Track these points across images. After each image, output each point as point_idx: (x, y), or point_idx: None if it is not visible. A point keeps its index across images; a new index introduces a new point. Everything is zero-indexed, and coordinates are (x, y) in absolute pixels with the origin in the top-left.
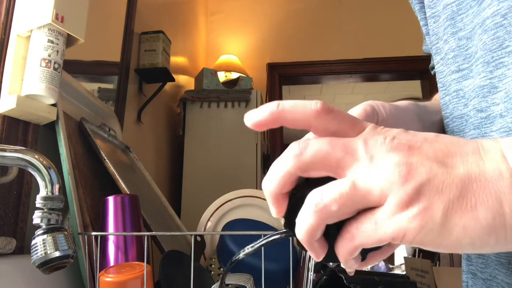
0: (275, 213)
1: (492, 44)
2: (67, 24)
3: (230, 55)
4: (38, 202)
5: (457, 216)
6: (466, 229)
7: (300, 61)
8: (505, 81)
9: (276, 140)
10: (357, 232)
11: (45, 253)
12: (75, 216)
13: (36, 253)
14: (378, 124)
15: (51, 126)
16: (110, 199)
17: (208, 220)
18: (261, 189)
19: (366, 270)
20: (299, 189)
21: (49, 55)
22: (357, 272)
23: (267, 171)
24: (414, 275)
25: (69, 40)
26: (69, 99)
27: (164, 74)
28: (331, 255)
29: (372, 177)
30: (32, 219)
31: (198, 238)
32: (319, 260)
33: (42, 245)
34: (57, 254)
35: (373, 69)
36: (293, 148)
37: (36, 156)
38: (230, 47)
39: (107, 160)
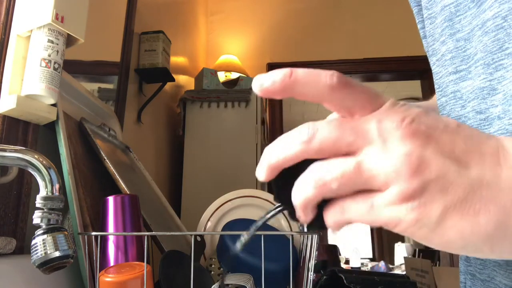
0: (263, 178)
1: (493, 46)
2: (67, 24)
3: (230, 55)
4: (38, 202)
5: (455, 219)
6: (462, 234)
7: (300, 61)
8: (503, 83)
9: None
10: (350, 208)
11: (45, 253)
12: (75, 216)
13: (36, 253)
14: None
15: (51, 126)
16: (110, 199)
17: (208, 220)
18: (261, 189)
19: (366, 270)
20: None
21: (49, 55)
22: (357, 272)
23: None
24: (414, 275)
25: (69, 40)
26: (69, 99)
27: (164, 74)
28: (320, 222)
29: (380, 163)
30: (32, 219)
31: (198, 238)
32: (307, 223)
33: (42, 245)
34: (57, 254)
35: (373, 69)
36: (302, 133)
37: (36, 156)
38: (230, 47)
39: (107, 160)
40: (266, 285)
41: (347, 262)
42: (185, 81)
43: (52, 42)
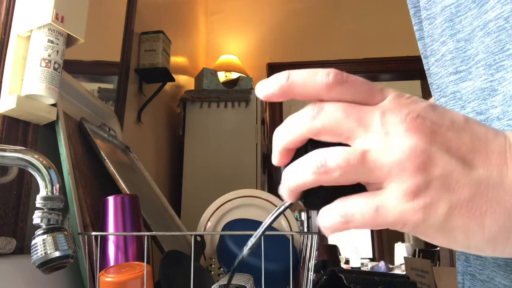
0: (276, 162)
1: (495, 47)
2: (67, 24)
3: (230, 55)
4: (38, 202)
5: (461, 219)
6: (466, 234)
7: (300, 61)
8: (503, 84)
9: None
10: (353, 213)
11: (45, 253)
12: (75, 216)
13: (36, 253)
14: None
15: (51, 126)
16: (110, 199)
17: (208, 220)
18: (261, 189)
19: (366, 270)
20: (308, 146)
21: (49, 55)
22: (357, 272)
23: (267, 171)
24: (414, 275)
25: (69, 40)
26: (69, 99)
27: (164, 74)
28: (315, 201)
29: (384, 155)
30: (32, 219)
31: (198, 238)
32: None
33: (42, 245)
34: (57, 254)
35: (373, 69)
36: (308, 111)
37: (36, 156)
38: (230, 47)
39: (107, 160)
40: (266, 285)
41: (347, 262)
42: (185, 81)
43: (52, 42)
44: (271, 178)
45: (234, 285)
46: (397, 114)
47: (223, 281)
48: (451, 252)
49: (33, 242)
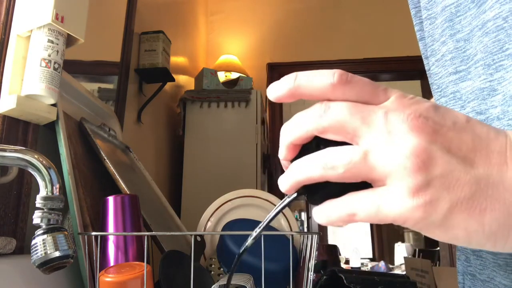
0: (283, 157)
1: (493, 46)
2: (67, 24)
3: (230, 55)
4: (38, 202)
5: (462, 216)
6: (467, 231)
7: (300, 61)
8: (503, 84)
9: (276, 140)
10: (358, 208)
11: (45, 253)
12: (75, 216)
13: (36, 253)
14: None
15: (51, 126)
16: (110, 199)
17: (208, 220)
18: (261, 189)
19: (366, 270)
20: (314, 144)
21: (49, 55)
22: (357, 272)
23: (267, 171)
24: (414, 275)
25: (69, 40)
26: (69, 99)
27: (164, 74)
28: (318, 197)
29: (385, 154)
30: (32, 219)
31: (198, 238)
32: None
33: (42, 245)
34: (57, 254)
35: (373, 69)
36: (315, 109)
37: (36, 156)
38: (230, 47)
39: (107, 160)
40: (266, 285)
41: (347, 262)
42: (185, 81)
43: (52, 42)
44: (271, 178)
45: (234, 285)
46: (399, 113)
47: (223, 281)
48: (451, 252)
49: (33, 242)
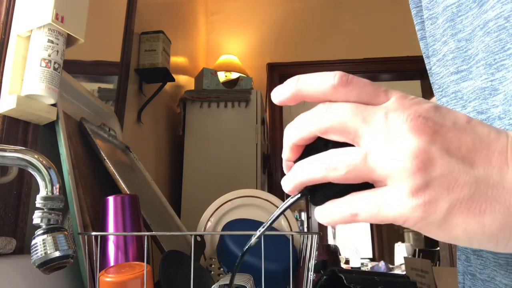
0: (287, 157)
1: (495, 46)
2: (67, 24)
3: (230, 55)
4: (38, 202)
5: (461, 217)
6: (467, 231)
7: (300, 61)
8: (504, 83)
9: (276, 140)
10: (359, 208)
11: (45, 253)
12: (75, 216)
13: (36, 253)
14: None
15: (51, 126)
16: (110, 199)
17: (208, 220)
18: (261, 189)
19: (366, 270)
20: (316, 144)
21: (49, 55)
22: (357, 272)
23: (267, 171)
24: (414, 275)
25: (69, 40)
26: (69, 99)
27: (164, 74)
28: (321, 197)
29: (384, 156)
30: (32, 219)
31: (198, 238)
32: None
33: (42, 245)
34: (57, 254)
35: (373, 69)
36: (317, 110)
37: (36, 156)
38: (230, 47)
39: (107, 160)
40: (266, 285)
41: (347, 262)
42: (185, 81)
43: (52, 42)
44: (271, 178)
45: (234, 285)
46: (399, 114)
47: (223, 281)
48: (451, 252)
49: (33, 242)
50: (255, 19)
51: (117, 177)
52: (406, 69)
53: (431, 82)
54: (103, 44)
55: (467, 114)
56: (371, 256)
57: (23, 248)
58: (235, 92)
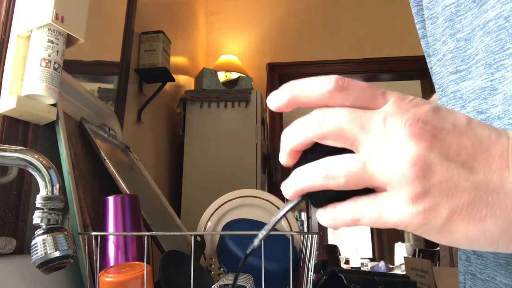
0: (284, 163)
1: (495, 46)
2: (67, 24)
3: (230, 55)
4: (38, 202)
5: (462, 223)
6: (467, 237)
7: (300, 61)
8: (504, 83)
9: (276, 140)
10: (361, 213)
11: (45, 253)
12: (75, 216)
13: (36, 253)
14: None
15: (51, 126)
16: (110, 199)
17: (208, 220)
18: (261, 189)
19: (366, 270)
20: (314, 150)
21: (49, 55)
22: (357, 272)
23: (267, 171)
24: (414, 275)
25: (69, 40)
26: (69, 99)
27: (164, 74)
28: (321, 200)
29: (383, 163)
30: (32, 219)
31: (198, 238)
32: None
33: (42, 245)
34: (57, 254)
35: (373, 69)
36: (314, 116)
37: (36, 156)
38: (230, 47)
39: (107, 160)
40: (266, 285)
41: (347, 262)
42: (185, 81)
43: (52, 42)
44: (271, 178)
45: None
46: (397, 119)
47: (223, 281)
48: (451, 252)
49: (33, 242)
50: (255, 19)
51: (117, 177)
52: (406, 69)
53: (433, 81)
54: (103, 44)
55: (466, 114)
56: (371, 256)
57: (23, 248)
58: (235, 92)
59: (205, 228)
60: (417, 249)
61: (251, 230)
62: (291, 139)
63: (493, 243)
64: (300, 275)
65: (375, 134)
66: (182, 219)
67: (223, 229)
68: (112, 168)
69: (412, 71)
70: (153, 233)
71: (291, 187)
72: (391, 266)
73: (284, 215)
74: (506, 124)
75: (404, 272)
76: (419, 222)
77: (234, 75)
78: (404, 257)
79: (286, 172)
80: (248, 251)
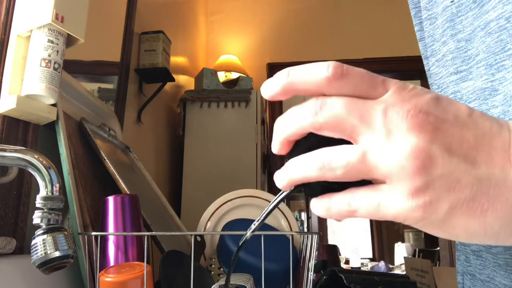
0: (277, 151)
1: (496, 47)
2: (67, 24)
3: (230, 55)
4: (38, 202)
5: (462, 217)
6: (468, 231)
7: (300, 61)
8: (504, 84)
9: None
10: (358, 205)
11: (45, 253)
12: (75, 216)
13: (36, 253)
14: None
15: (51, 126)
16: (110, 199)
17: (208, 220)
18: (261, 189)
19: (366, 270)
20: (309, 139)
21: (49, 55)
22: (357, 272)
23: (267, 171)
24: (414, 275)
25: (69, 40)
26: (69, 99)
27: (164, 74)
28: (316, 190)
29: (384, 155)
30: (32, 219)
31: (198, 238)
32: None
33: (42, 245)
34: (57, 254)
35: (373, 69)
36: (311, 105)
37: (36, 156)
38: (230, 47)
39: (107, 160)
40: (266, 285)
41: (347, 262)
42: (185, 81)
43: (52, 42)
44: (271, 178)
45: (234, 285)
46: (398, 110)
47: (223, 281)
48: (451, 252)
49: (33, 242)
50: (255, 19)
51: (117, 177)
52: (406, 69)
53: (429, 83)
54: (103, 44)
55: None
56: (371, 256)
57: (23, 248)
58: (235, 92)
59: (205, 228)
60: (417, 249)
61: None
62: (285, 128)
63: (493, 236)
64: (300, 275)
65: (375, 126)
66: (182, 219)
67: (223, 229)
68: (112, 168)
69: (412, 71)
70: (153, 233)
71: (285, 177)
72: (391, 266)
73: (277, 206)
74: None
75: (404, 272)
76: (419, 215)
77: (234, 75)
78: (404, 257)
79: None
80: (240, 242)
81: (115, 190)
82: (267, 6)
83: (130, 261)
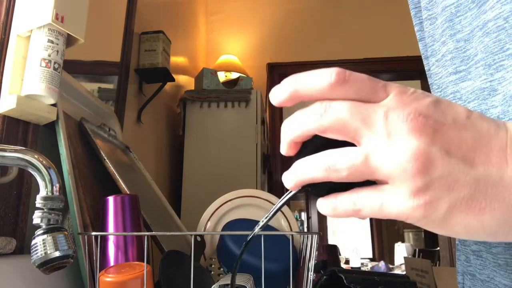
0: (285, 153)
1: (494, 46)
2: (67, 24)
3: (230, 55)
4: (38, 202)
5: (462, 215)
6: (467, 229)
7: (300, 61)
8: (503, 84)
9: (276, 140)
10: (363, 204)
11: (45, 253)
12: (75, 216)
13: (36, 253)
14: None
15: (51, 126)
16: (110, 199)
17: (208, 220)
18: (261, 189)
19: (366, 270)
20: (315, 141)
21: (49, 55)
22: (357, 272)
23: (267, 171)
24: (414, 275)
25: (69, 40)
26: (69, 99)
27: (164, 74)
28: (322, 191)
29: (386, 157)
30: (32, 219)
31: (198, 238)
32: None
33: (42, 245)
34: (57, 254)
35: (373, 69)
36: (316, 108)
37: (36, 156)
38: (230, 47)
39: (107, 160)
40: (266, 285)
41: (347, 262)
42: (185, 81)
43: (52, 42)
44: (271, 178)
45: (234, 284)
46: (399, 113)
47: (223, 281)
48: (451, 252)
49: (33, 242)
50: (255, 19)
51: (117, 177)
52: (406, 69)
53: (429, 83)
54: (103, 44)
55: (466, 107)
56: (371, 256)
57: (23, 248)
58: (235, 92)
59: (205, 228)
60: (417, 249)
61: (251, 230)
62: (292, 131)
63: (491, 234)
64: (300, 275)
65: (377, 128)
66: (182, 219)
67: (223, 229)
68: (112, 168)
69: (412, 71)
70: (153, 233)
71: (292, 178)
72: (391, 266)
73: (285, 204)
74: None
75: (404, 272)
76: (420, 214)
77: (234, 75)
78: (404, 257)
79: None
80: (248, 238)
81: (115, 190)
82: (267, 6)
83: (130, 261)
